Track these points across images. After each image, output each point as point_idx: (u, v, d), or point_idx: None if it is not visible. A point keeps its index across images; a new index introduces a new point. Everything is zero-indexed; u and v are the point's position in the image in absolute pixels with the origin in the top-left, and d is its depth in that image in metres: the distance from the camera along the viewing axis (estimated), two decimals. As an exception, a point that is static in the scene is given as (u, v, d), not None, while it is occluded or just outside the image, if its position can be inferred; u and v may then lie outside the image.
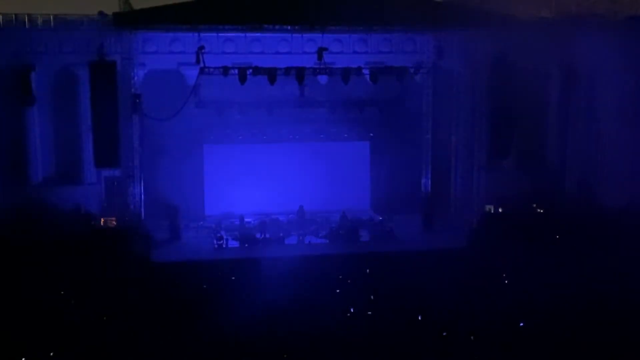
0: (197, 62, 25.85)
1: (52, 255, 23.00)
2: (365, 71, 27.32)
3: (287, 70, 26.35)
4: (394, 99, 29.06)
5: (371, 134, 31.25)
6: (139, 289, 21.42)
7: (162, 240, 27.06)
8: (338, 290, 21.88)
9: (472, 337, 18.02)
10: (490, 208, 28.62)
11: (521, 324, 18.90)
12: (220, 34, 27.09)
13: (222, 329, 18.59)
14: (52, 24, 27.01)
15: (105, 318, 19.42)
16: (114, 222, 26.57)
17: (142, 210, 27.43)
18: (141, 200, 27.37)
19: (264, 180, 29.34)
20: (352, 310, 20.09)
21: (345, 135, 31.02)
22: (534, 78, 29.80)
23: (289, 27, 26.97)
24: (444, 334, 18.32)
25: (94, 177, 28.28)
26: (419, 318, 19.18)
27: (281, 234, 28.21)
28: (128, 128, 26.73)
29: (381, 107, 29.40)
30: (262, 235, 27.90)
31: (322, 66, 26.68)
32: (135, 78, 26.96)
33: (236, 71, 26.30)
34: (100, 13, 27.19)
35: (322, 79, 27.97)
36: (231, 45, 27.98)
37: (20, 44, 26.65)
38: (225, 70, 26.25)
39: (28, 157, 27.71)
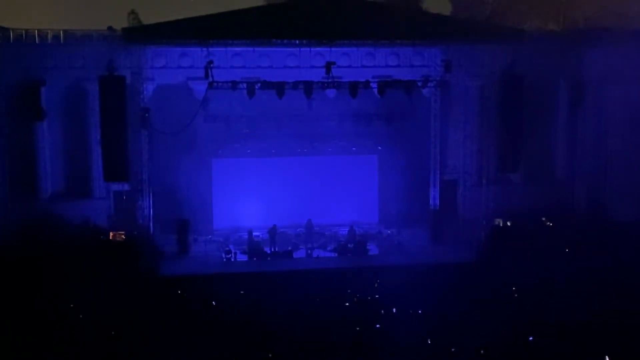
0: (206, 76, 25.86)
1: (60, 268, 23.05)
2: (373, 85, 27.33)
3: (296, 84, 26.43)
4: (402, 113, 29.00)
5: (379, 147, 31.21)
6: (148, 303, 21.42)
7: (170, 254, 27.11)
8: (347, 304, 21.83)
9: (481, 352, 17.92)
10: (499, 221, 28.57)
11: (530, 338, 18.79)
12: (228, 49, 27.18)
13: (230, 343, 18.57)
14: (61, 39, 27.37)
15: (113, 332, 19.42)
16: (123, 236, 26.64)
17: (151, 224, 27.51)
18: (150, 214, 27.44)
19: (272, 194, 29.39)
20: (360, 323, 20.01)
21: (354, 149, 30.99)
22: (543, 91, 29.89)
23: (297, 42, 27.05)
24: (453, 349, 18.22)
25: (103, 191, 28.49)
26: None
27: (289, 248, 28.21)
28: (137, 142, 26.82)
29: (389, 121, 29.32)
30: (271, 249, 27.91)
31: (330, 80, 26.72)
32: (145, 92, 27.11)
33: (245, 85, 26.42)
34: (110, 28, 27.43)
35: (330, 92, 28.01)
36: (240, 60, 28.10)
37: (30, 60, 26.98)
38: (233, 85, 26.33)
39: (38, 171, 27.96)
